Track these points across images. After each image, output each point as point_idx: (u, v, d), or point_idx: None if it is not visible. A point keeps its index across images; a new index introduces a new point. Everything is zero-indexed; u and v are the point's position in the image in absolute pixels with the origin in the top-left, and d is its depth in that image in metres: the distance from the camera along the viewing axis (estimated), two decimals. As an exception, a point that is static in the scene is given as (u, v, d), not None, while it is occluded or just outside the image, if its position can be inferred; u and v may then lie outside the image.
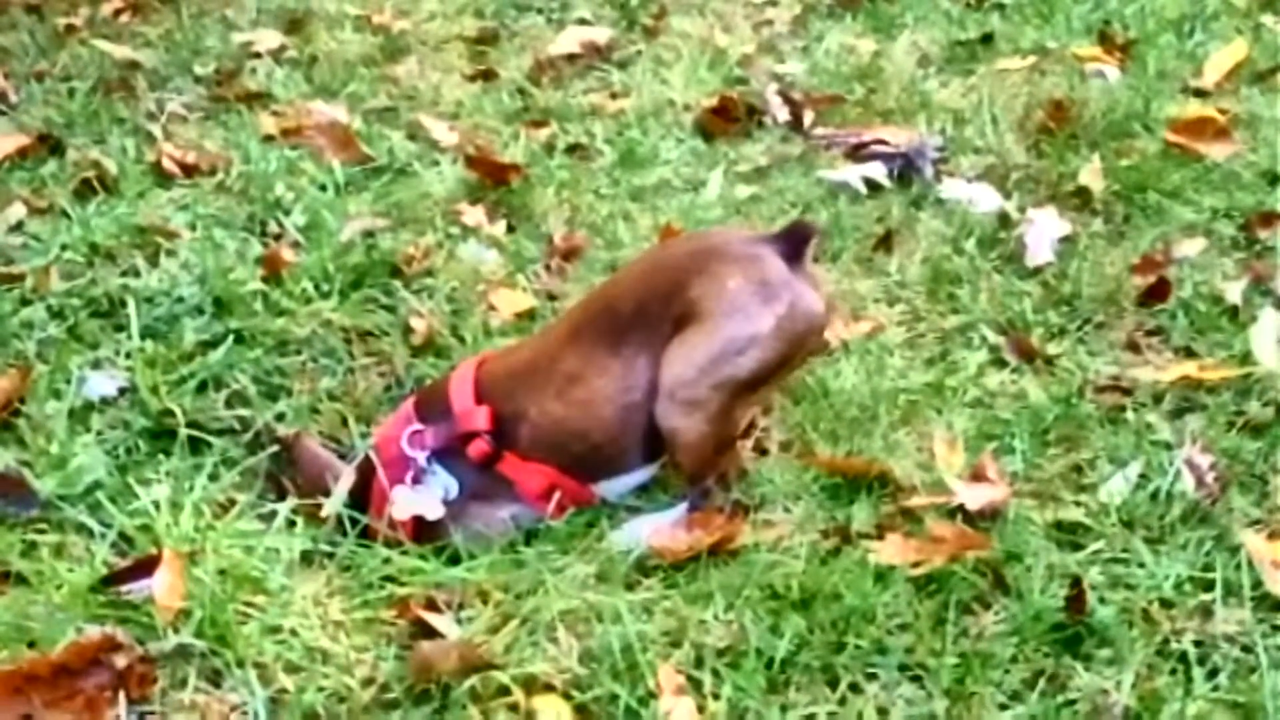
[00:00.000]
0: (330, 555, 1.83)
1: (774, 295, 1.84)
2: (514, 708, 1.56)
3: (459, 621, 1.71)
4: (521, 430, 1.91)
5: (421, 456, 1.93)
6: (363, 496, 1.94)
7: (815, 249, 1.96)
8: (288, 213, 2.64)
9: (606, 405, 1.88)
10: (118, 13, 3.70)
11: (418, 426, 1.95)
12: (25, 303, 2.33)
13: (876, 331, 2.33)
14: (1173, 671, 1.61)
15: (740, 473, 1.96)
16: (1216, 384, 2.08)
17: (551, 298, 2.47)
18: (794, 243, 1.90)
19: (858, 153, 2.87)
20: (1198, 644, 1.64)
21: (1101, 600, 1.69)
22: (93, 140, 2.95)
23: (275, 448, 2.07)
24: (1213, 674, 1.61)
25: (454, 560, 1.82)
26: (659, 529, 1.87)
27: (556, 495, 1.92)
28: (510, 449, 1.92)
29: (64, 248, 2.46)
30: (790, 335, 1.85)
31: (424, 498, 1.92)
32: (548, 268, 2.56)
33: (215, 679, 1.56)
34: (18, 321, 2.27)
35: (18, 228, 2.56)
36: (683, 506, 1.92)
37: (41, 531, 1.80)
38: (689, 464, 1.90)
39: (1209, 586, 1.71)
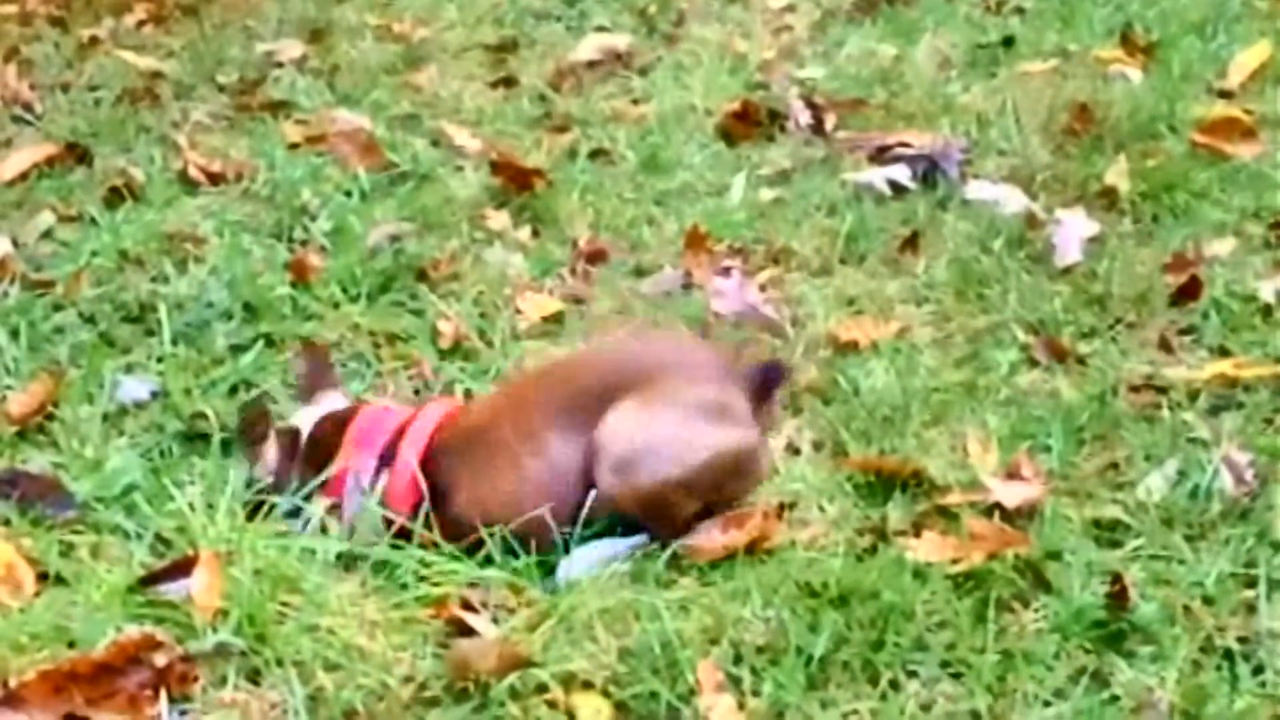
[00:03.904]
0: (364, 556, 1.82)
1: (730, 422, 1.82)
2: (553, 705, 1.56)
3: (495, 620, 1.70)
4: (452, 505, 1.83)
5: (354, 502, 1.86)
6: None
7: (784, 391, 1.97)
8: (314, 219, 2.66)
9: (538, 496, 1.80)
10: (141, 24, 3.73)
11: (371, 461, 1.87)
12: (57, 308, 2.35)
13: (905, 332, 2.32)
14: (1217, 668, 1.59)
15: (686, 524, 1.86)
16: (1252, 382, 2.06)
17: (578, 301, 2.48)
18: (766, 381, 1.90)
19: (881, 155, 2.86)
20: (1242, 640, 1.62)
21: (1143, 597, 1.68)
22: (119, 149, 2.97)
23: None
24: (1258, 670, 1.59)
25: (489, 560, 1.81)
26: (607, 557, 1.81)
27: None
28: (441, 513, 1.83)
29: (94, 254, 2.48)
30: (723, 470, 1.82)
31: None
32: (573, 271, 2.56)
33: (254, 677, 1.56)
34: (50, 327, 2.29)
35: (48, 235, 2.59)
36: (641, 538, 1.85)
37: (79, 533, 1.81)
38: (637, 516, 1.84)
39: (1251, 583, 1.70)
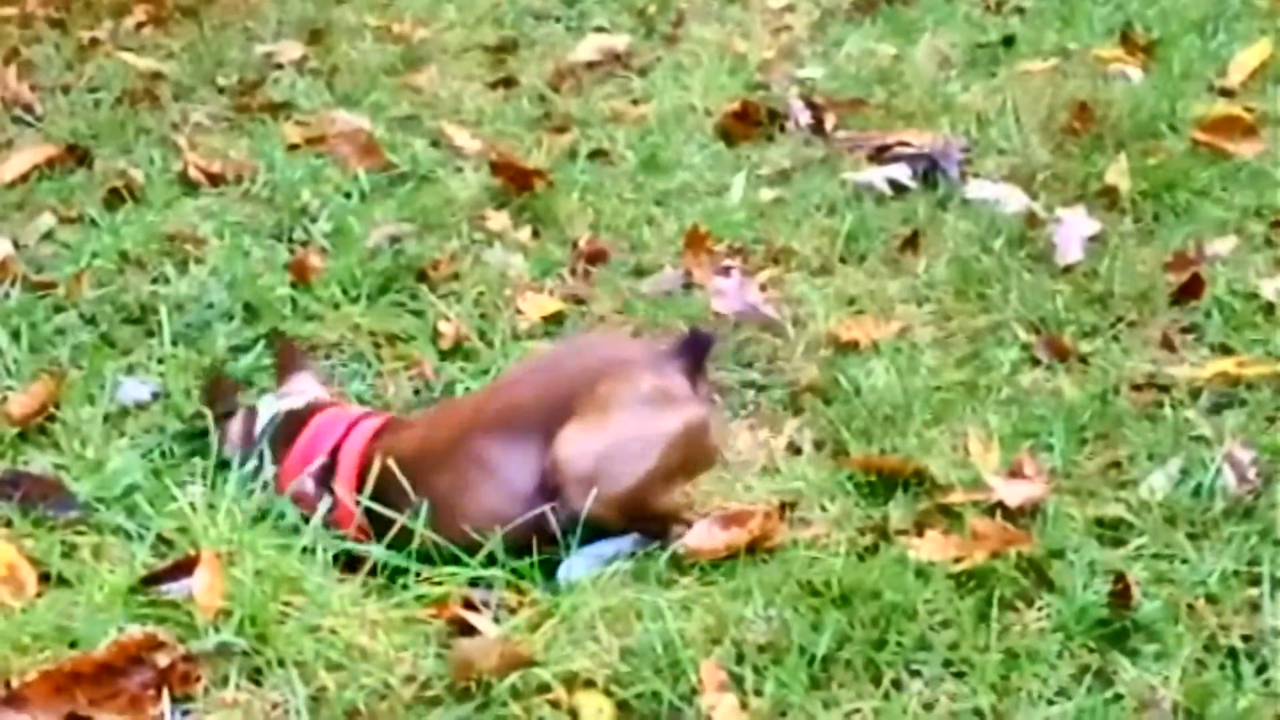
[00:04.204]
0: (365, 555, 1.82)
1: (674, 405, 1.82)
2: (556, 704, 1.55)
3: (496, 620, 1.70)
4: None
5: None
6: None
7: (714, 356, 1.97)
8: (314, 220, 2.66)
9: (494, 519, 1.80)
10: (140, 25, 3.73)
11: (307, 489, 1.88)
12: (58, 310, 2.35)
13: (906, 331, 2.32)
14: (1221, 667, 1.59)
15: (677, 520, 1.87)
16: (1254, 380, 2.06)
17: (578, 301, 2.47)
18: (694, 353, 1.89)
19: (881, 155, 2.86)
20: (1246, 639, 1.62)
21: (1146, 596, 1.68)
22: (119, 150, 2.97)
23: None
24: (1262, 669, 1.59)
25: (490, 560, 1.81)
26: (603, 558, 1.82)
27: None
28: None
29: (94, 256, 2.49)
30: (683, 451, 1.83)
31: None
32: (573, 271, 2.56)
33: (256, 677, 1.56)
34: (51, 328, 2.30)
35: (48, 236, 2.59)
36: (633, 538, 1.85)
37: (80, 533, 1.80)
38: (623, 526, 1.84)
39: (1255, 582, 1.69)
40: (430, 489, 1.82)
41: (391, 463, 1.83)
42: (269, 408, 2.00)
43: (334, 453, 1.91)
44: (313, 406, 2.00)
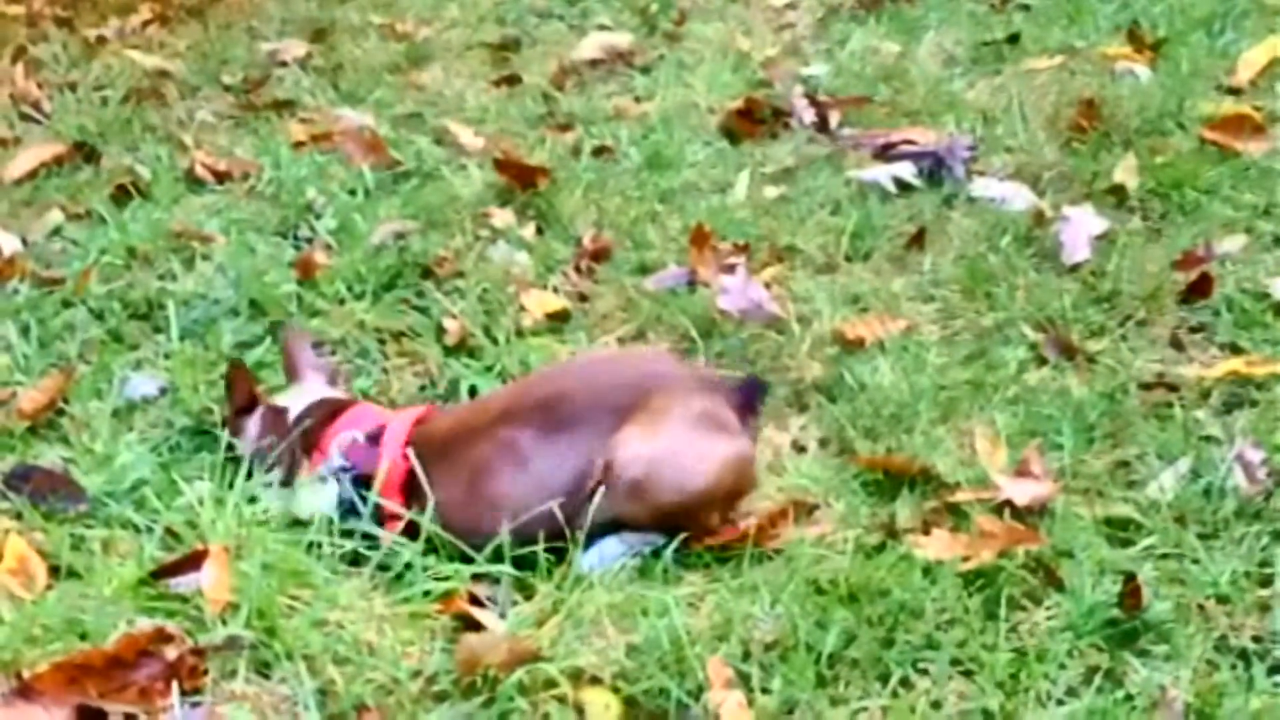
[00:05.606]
0: (374, 547, 1.82)
1: (727, 432, 1.84)
2: (562, 700, 1.55)
3: (503, 615, 1.70)
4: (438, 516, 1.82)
5: (337, 459, 1.87)
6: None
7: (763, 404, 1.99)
8: (319, 217, 2.66)
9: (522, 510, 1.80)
10: (146, 24, 3.75)
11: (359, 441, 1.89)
12: (66, 305, 2.36)
13: (912, 329, 2.32)
14: (1233, 667, 1.59)
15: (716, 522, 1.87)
16: (1265, 379, 2.05)
17: (582, 298, 2.47)
18: (747, 396, 1.91)
19: (886, 153, 2.86)
20: (1257, 640, 1.62)
21: (1156, 596, 1.67)
22: (126, 148, 2.98)
23: None
24: (1274, 670, 1.59)
25: (497, 556, 1.81)
26: (630, 549, 1.83)
27: None
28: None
29: (102, 252, 2.50)
30: (732, 478, 1.84)
31: (314, 497, 1.88)
32: (577, 269, 2.55)
33: (264, 670, 1.56)
34: (59, 324, 2.31)
35: (56, 233, 2.61)
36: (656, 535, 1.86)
37: (90, 527, 1.81)
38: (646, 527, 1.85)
39: (1266, 582, 1.69)
40: (461, 468, 1.83)
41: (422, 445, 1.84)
42: (299, 399, 1.98)
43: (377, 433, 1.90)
44: (344, 402, 2.01)
